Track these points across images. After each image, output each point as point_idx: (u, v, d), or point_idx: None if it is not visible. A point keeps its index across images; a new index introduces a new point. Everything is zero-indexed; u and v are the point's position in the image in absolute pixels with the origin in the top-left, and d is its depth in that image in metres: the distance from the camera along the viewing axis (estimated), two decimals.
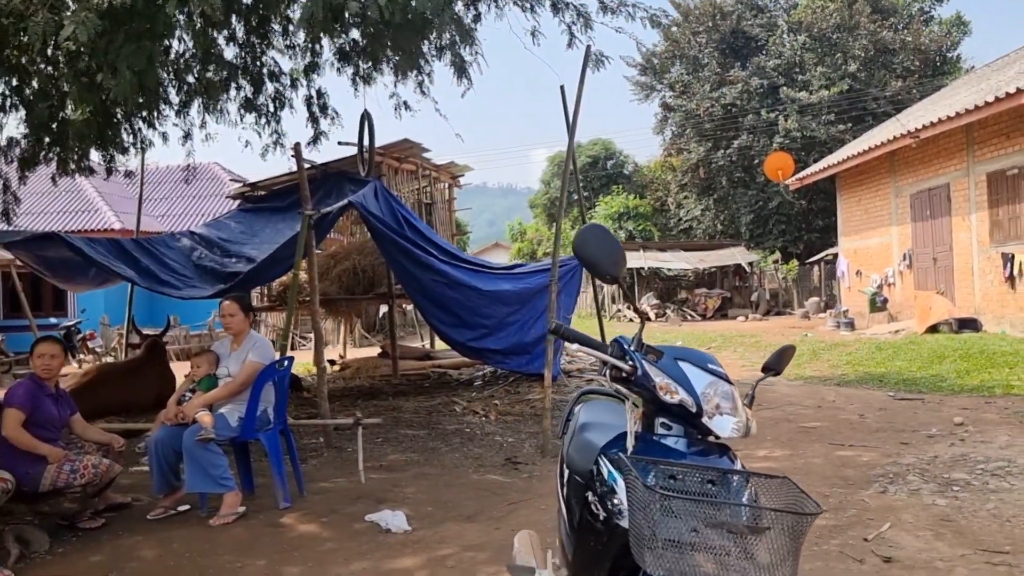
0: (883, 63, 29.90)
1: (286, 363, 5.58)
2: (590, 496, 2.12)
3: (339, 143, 9.58)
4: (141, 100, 5.51)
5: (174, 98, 7.33)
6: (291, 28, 7.47)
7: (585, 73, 7.85)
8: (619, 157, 39.50)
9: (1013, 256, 13.17)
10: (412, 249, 8.94)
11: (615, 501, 2.06)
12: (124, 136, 7.17)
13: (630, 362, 2.11)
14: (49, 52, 5.30)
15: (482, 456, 6.88)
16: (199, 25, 5.79)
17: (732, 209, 31.67)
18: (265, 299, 12.50)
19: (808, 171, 21.41)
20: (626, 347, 2.16)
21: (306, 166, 10.46)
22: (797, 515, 1.65)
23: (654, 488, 1.73)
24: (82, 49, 4.46)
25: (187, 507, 5.35)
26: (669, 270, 30.77)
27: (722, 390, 2.07)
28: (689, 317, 27.62)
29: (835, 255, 23.23)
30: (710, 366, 2.13)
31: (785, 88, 29.33)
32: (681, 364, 2.11)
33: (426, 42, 6.13)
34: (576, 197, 37.60)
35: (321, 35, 5.38)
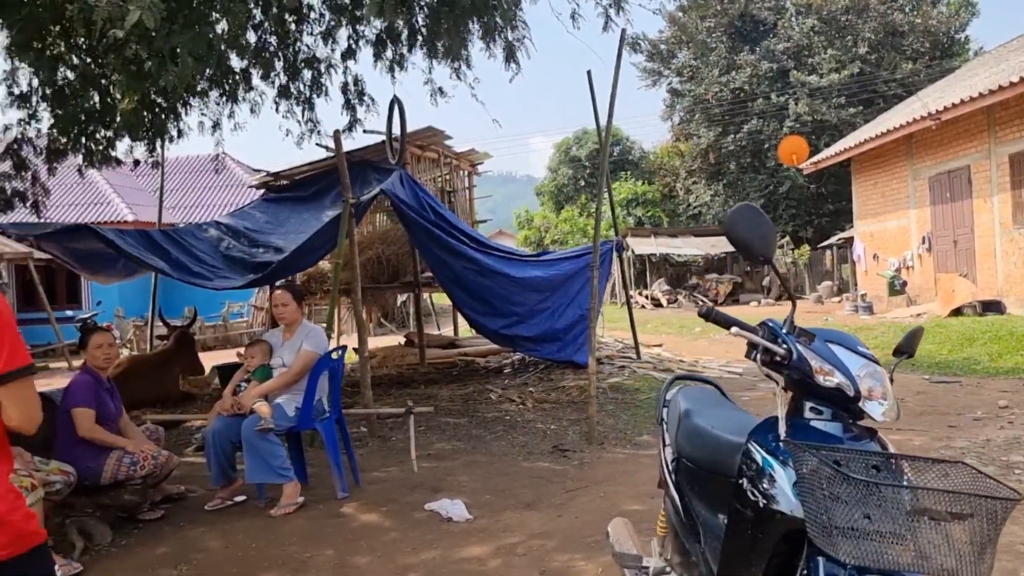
0: (893, 45, 29.73)
1: (339, 352, 5.52)
2: (744, 484, 2.07)
3: (365, 131, 9.49)
4: (188, 88, 5.42)
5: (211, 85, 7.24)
6: (323, 13, 7.37)
7: (621, 57, 7.77)
8: (626, 143, 39.33)
9: None
10: (444, 237, 8.87)
11: (764, 486, 2.01)
12: (168, 125, 7.09)
13: (784, 345, 2.05)
14: (95, 41, 5.23)
15: (528, 444, 6.84)
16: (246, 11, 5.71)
17: (742, 194, 31.56)
18: None
19: (823, 155, 21.30)
20: (778, 330, 2.11)
21: (330, 155, 10.44)
22: (1000, 500, 1.60)
23: (853, 475, 1.68)
24: (130, 37, 4.38)
25: (243, 498, 5.32)
26: (679, 256, 30.68)
27: (874, 373, 2.02)
28: (701, 303, 27.56)
29: (848, 239, 23.17)
30: (860, 348, 2.07)
31: (795, 72, 29.19)
32: (832, 346, 2.06)
33: (477, 25, 6.04)
34: (589, 183, 37.56)
35: (381, 18, 5.28)
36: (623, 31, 7.59)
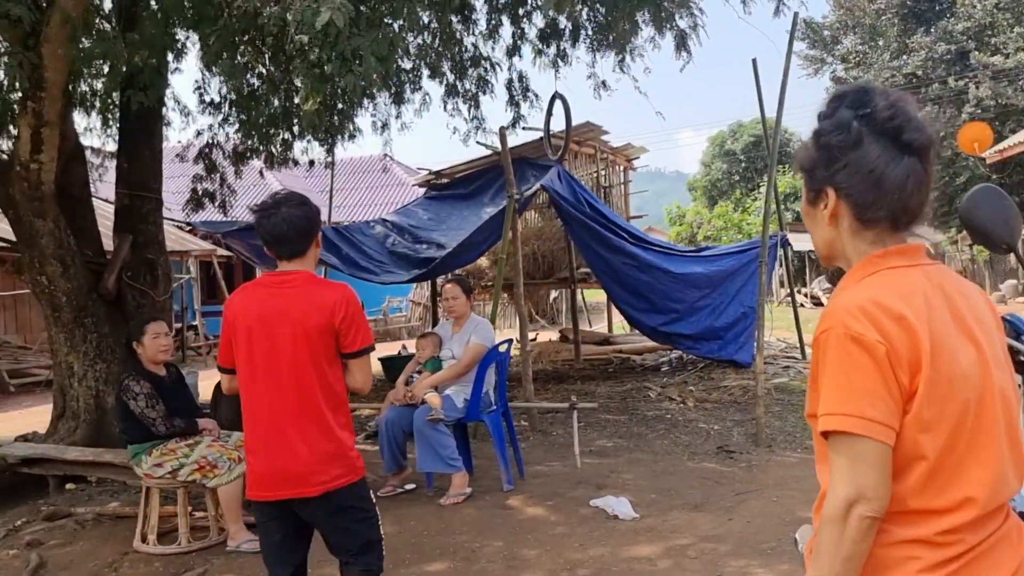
0: None
1: (506, 345, 5.59)
2: None
3: (524, 128, 9.54)
4: (366, 88, 5.63)
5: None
6: (489, 14, 7.48)
7: (792, 42, 7.43)
8: (784, 135, 37.67)
9: None
10: (602, 232, 8.82)
11: None
12: (347, 125, 7.43)
13: None
14: (282, 47, 5.53)
15: (692, 443, 6.67)
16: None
17: None
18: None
19: (1010, 142, 19.56)
20: (1022, 327, 1.91)
21: (489, 153, 10.61)
22: None
23: None
24: (315, 41, 4.60)
25: (413, 486, 5.48)
26: None
27: None
28: None
29: None
30: None
31: (976, 53, 26.93)
32: None
33: (648, 14, 5.92)
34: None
35: (559, 13, 5.32)
36: (796, 14, 7.25)
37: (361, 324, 2.77)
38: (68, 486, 5.95)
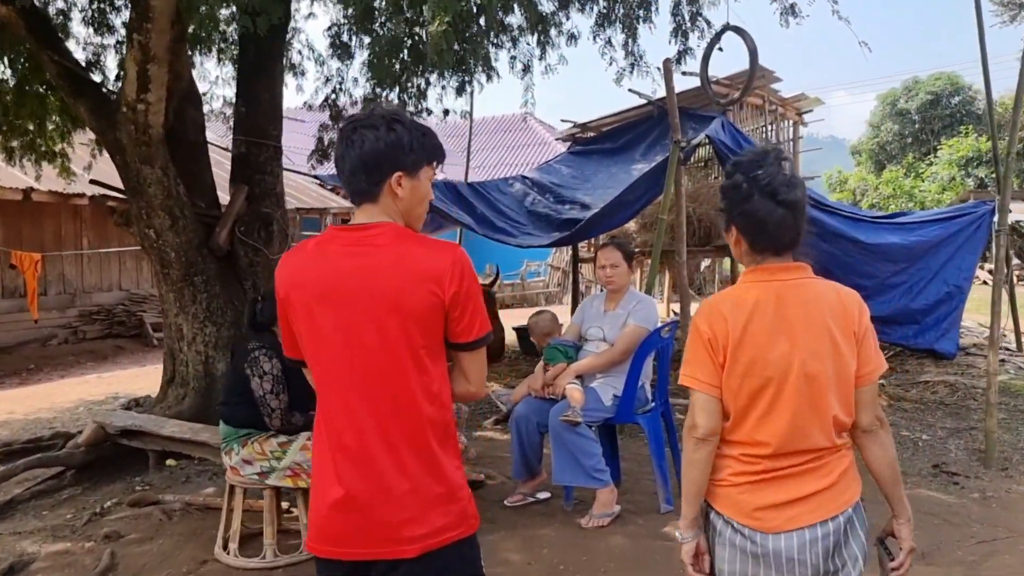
0: None
1: (668, 329, 4.43)
2: None
3: (683, 73, 8.22)
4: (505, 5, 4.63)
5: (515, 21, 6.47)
6: None
7: None
8: (967, 93, 33.78)
9: None
10: None
11: None
12: (479, 58, 6.41)
13: None
14: None
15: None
16: None
17: None
18: (591, 249, 11.67)
19: None
20: None
21: (640, 104, 9.38)
22: None
23: None
24: None
25: (547, 495, 4.49)
26: None
27: None
28: None
29: None
30: None
31: None
32: None
33: None
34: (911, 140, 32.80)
35: None
36: None
37: (479, 302, 1.83)
38: (168, 462, 5.37)
